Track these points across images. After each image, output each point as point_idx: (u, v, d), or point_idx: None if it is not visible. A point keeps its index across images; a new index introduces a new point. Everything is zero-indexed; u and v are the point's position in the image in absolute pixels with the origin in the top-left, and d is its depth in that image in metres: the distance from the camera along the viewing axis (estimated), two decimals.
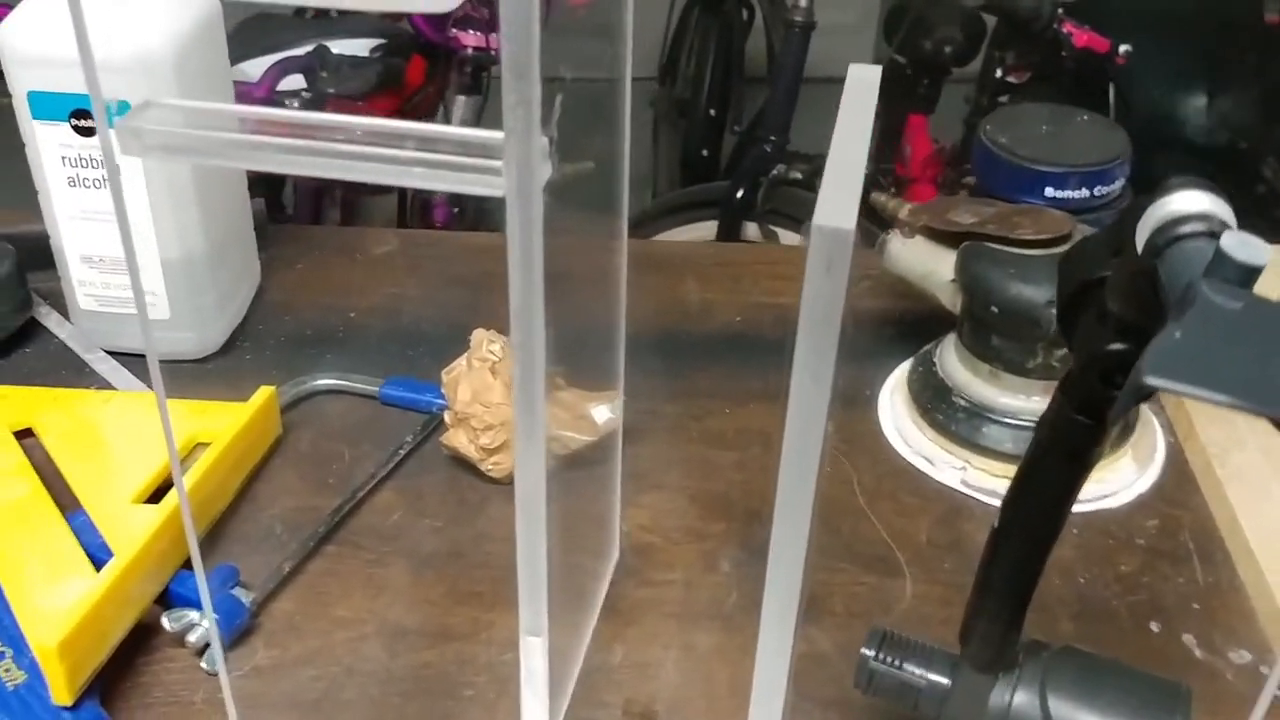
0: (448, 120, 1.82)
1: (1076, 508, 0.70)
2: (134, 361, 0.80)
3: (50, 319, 0.84)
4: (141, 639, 0.62)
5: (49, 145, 0.73)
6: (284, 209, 1.80)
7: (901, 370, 0.82)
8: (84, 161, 0.73)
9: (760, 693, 0.47)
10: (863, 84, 0.46)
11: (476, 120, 1.80)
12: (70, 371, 0.80)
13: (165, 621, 0.60)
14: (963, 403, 0.75)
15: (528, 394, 0.43)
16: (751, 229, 1.85)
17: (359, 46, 1.74)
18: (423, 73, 1.80)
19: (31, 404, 0.73)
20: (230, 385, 0.77)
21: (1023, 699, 0.51)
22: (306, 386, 0.79)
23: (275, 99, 1.63)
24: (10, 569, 0.60)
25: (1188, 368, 0.28)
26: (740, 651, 0.63)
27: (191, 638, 0.60)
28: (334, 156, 0.39)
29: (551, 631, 0.49)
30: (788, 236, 1.80)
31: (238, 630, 0.62)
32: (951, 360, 0.77)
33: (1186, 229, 0.34)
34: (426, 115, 1.84)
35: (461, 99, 1.81)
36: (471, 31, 1.76)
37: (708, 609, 0.65)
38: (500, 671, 0.61)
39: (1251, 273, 0.31)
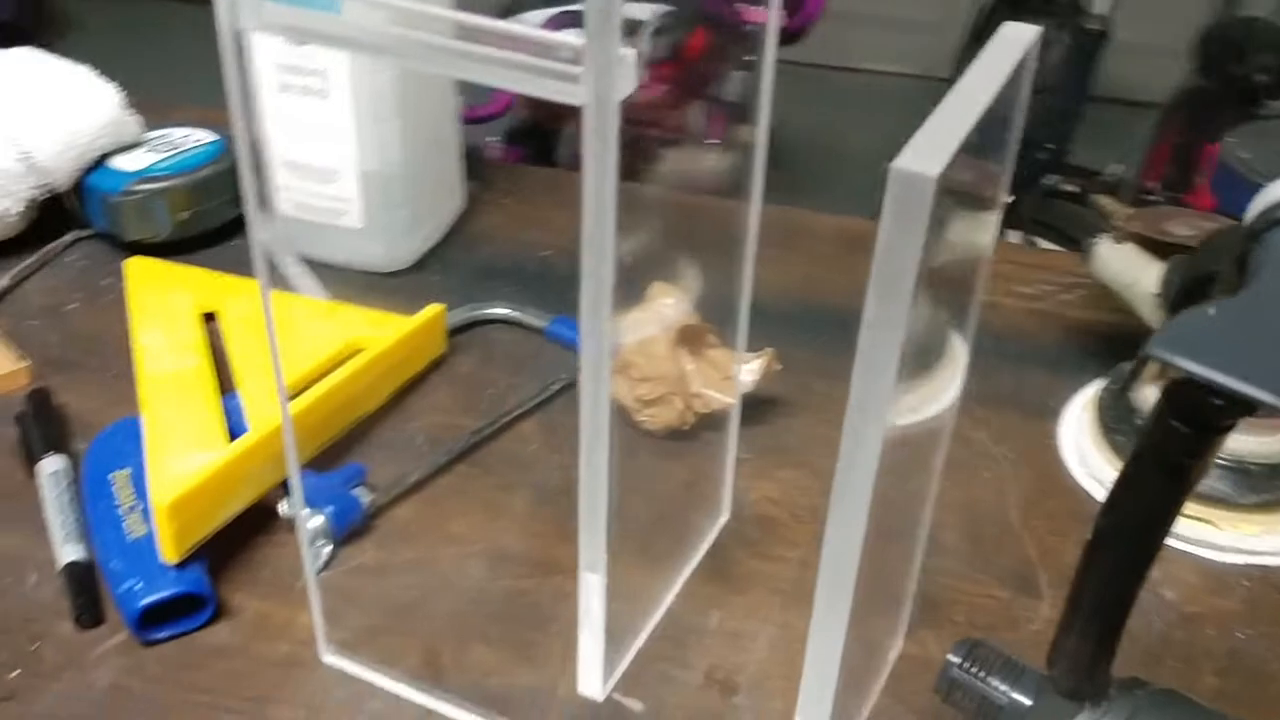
0: (721, 94, 1.82)
1: (1247, 558, 0.63)
2: (324, 270, 0.84)
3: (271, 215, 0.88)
4: (263, 521, 0.64)
5: (261, 50, 0.76)
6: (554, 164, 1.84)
7: (1096, 386, 0.75)
8: (296, 69, 0.76)
9: (810, 682, 0.45)
10: (1012, 42, 0.42)
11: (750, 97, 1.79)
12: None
13: (281, 507, 0.63)
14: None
15: (594, 323, 0.41)
16: (1014, 236, 1.75)
17: (644, 11, 1.76)
18: (704, 45, 1.80)
19: (222, 290, 0.77)
20: (410, 302, 0.79)
21: None
22: (477, 313, 0.80)
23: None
24: (159, 431, 0.64)
25: (1204, 346, 0.24)
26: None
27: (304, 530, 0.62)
28: (408, 47, 0.39)
29: (625, 575, 0.47)
30: None
31: (350, 527, 0.64)
32: (1146, 382, 0.70)
33: None
34: (705, 88, 1.83)
35: (739, 75, 1.80)
36: (757, 7, 1.75)
37: (813, 588, 0.62)
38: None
39: None
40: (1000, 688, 0.49)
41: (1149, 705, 0.46)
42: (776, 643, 0.60)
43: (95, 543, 0.61)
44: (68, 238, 0.83)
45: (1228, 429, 0.36)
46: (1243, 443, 0.66)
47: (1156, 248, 0.70)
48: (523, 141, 1.82)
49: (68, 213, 0.84)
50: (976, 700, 0.49)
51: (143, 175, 0.81)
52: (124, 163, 0.82)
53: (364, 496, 0.64)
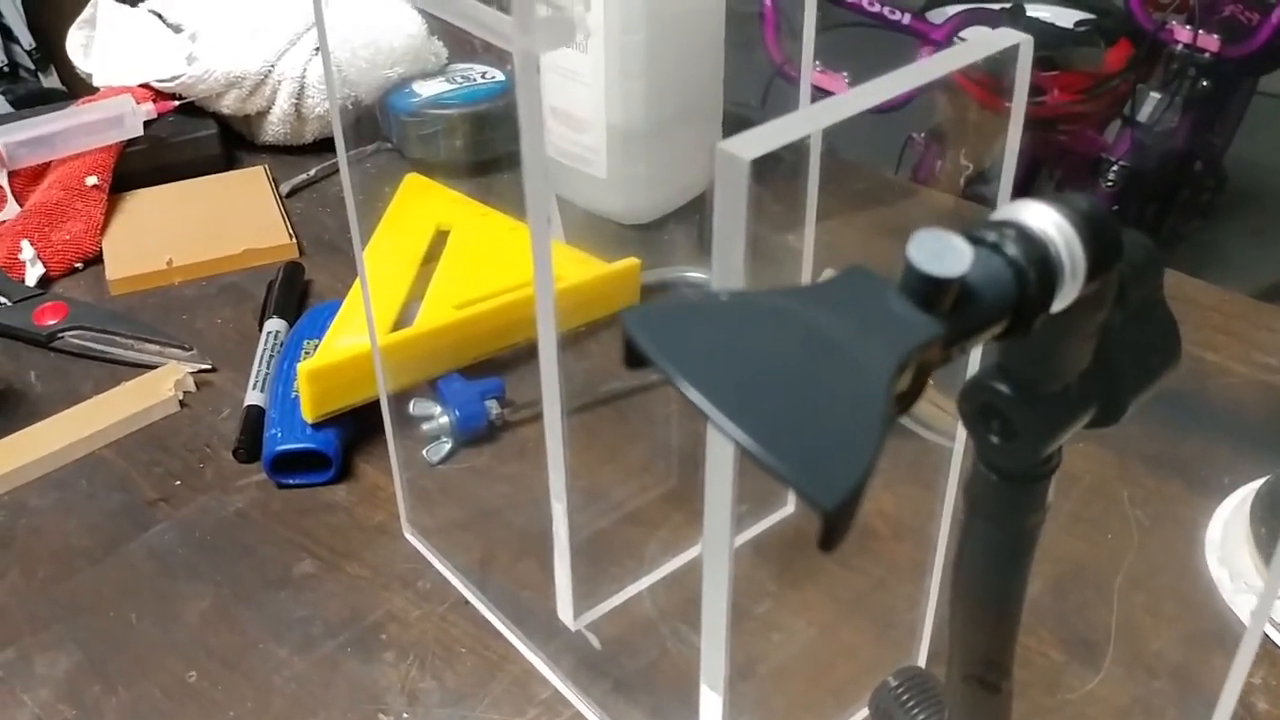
0: (1134, 113, 1.70)
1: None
2: (572, 211, 0.90)
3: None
4: (402, 414, 0.72)
5: None
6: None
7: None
8: None
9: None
10: (971, 48, 0.41)
11: (1158, 120, 1.67)
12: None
13: (411, 405, 0.70)
14: None
15: (542, 273, 0.45)
16: None
17: (1063, 16, 1.68)
18: (1125, 60, 1.69)
19: (463, 211, 0.86)
20: (634, 254, 0.84)
21: None
22: (673, 274, 0.83)
23: (951, 44, 1.64)
24: (346, 314, 0.74)
25: (665, 333, 0.24)
26: (872, 661, 0.58)
27: (425, 426, 0.70)
28: None
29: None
30: None
31: (474, 432, 0.70)
32: None
33: (982, 233, 0.27)
34: (1117, 104, 1.73)
35: (1154, 95, 1.68)
36: (1187, 28, 1.62)
37: (876, 611, 0.61)
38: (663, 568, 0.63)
39: (932, 283, 0.25)
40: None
41: None
42: (811, 646, 0.60)
43: (271, 394, 0.72)
44: (371, 147, 0.96)
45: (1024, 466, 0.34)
46: None
47: None
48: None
49: (379, 126, 0.97)
50: None
51: (432, 101, 0.91)
52: (423, 88, 0.93)
53: (494, 409, 0.71)
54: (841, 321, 0.25)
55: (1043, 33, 1.62)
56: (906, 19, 1.64)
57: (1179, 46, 1.64)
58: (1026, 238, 0.28)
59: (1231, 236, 2.32)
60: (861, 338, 0.25)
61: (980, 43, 0.41)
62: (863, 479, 0.23)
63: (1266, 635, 0.60)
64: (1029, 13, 1.62)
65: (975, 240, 0.28)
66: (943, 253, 0.26)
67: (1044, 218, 0.28)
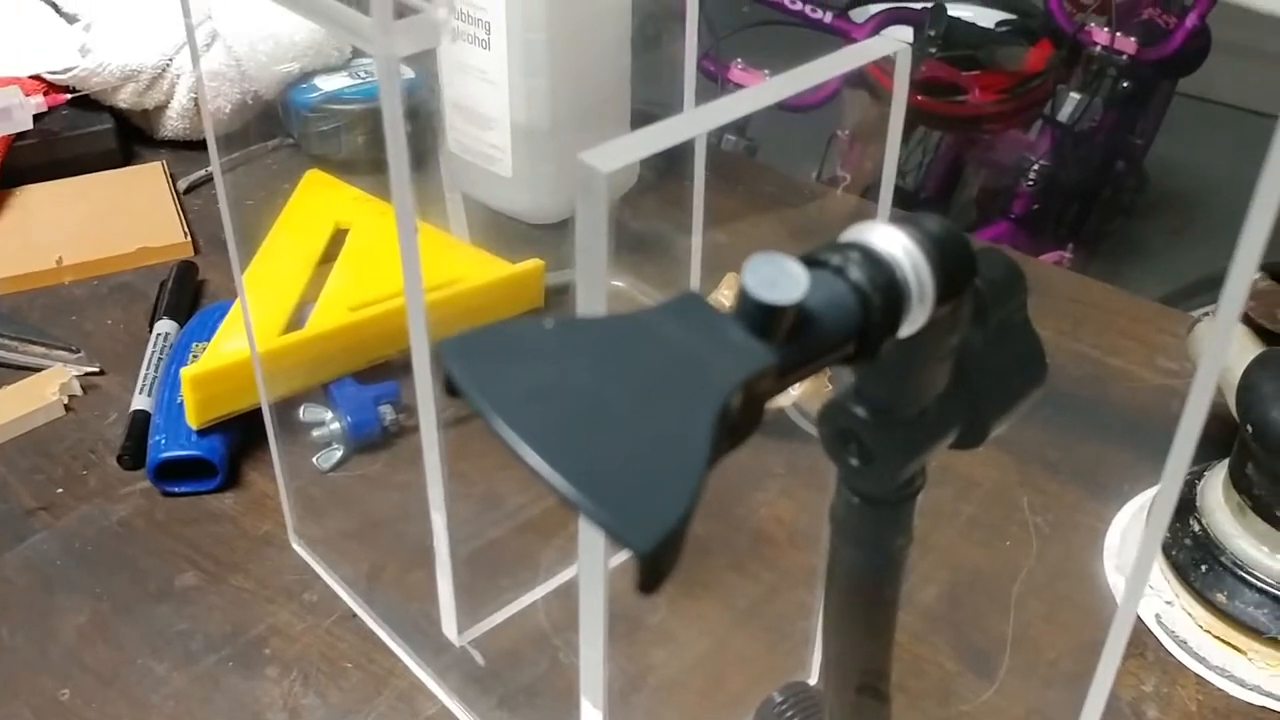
0: (1054, 113, 1.72)
1: (1268, 701, 0.55)
2: (481, 211, 0.89)
3: (442, 154, 0.94)
4: (292, 419, 0.70)
5: None
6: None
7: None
8: (465, 16, 0.81)
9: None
10: (855, 54, 0.40)
11: (1078, 119, 1.68)
12: (431, 202, 0.90)
13: (301, 410, 0.69)
14: (1197, 528, 0.61)
15: (410, 268, 0.44)
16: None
17: (984, 16, 1.69)
18: (1045, 60, 1.71)
19: (362, 209, 0.84)
20: (541, 254, 0.83)
21: None
22: (571, 277, 0.82)
23: None
24: (235, 316, 0.72)
25: (483, 365, 0.23)
26: (764, 672, 0.58)
27: (314, 433, 0.68)
28: None
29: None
30: None
31: (367, 438, 0.69)
32: (1215, 481, 0.62)
33: (826, 256, 0.27)
34: (1037, 104, 1.74)
35: (1074, 96, 1.70)
36: (1106, 30, 1.64)
37: (770, 620, 0.61)
38: (555, 578, 0.62)
39: (766, 310, 0.24)
40: None
41: None
42: (703, 657, 0.59)
43: (158, 399, 0.70)
44: (272, 143, 0.94)
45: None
46: None
47: (1262, 334, 0.62)
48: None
49: (280, 121, 0.94)
50: None
51: (333, 96, 0.89)
52: (325, 82, 0.91)
53: (388, 414, 0.69)
54: (672, 351, 0.24)
55: (964, 32, 1.63)
56: (828, 18, 1.64)
57: (1098, 48, 1.65)
58: (872, 261, 0.27)
59: (1152, 235, 2.35)
60: (691, 368, 0.24)
61: (859, 50, 0.41)
62: (681, 521, 0.22)
63: (1161, 643, 0.60)
64: (951, 12, 1.63)
65: (818, 263, 0.27)
66: (777, 279, 0.25)
67: (891, 240, 0.27)
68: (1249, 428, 0.57)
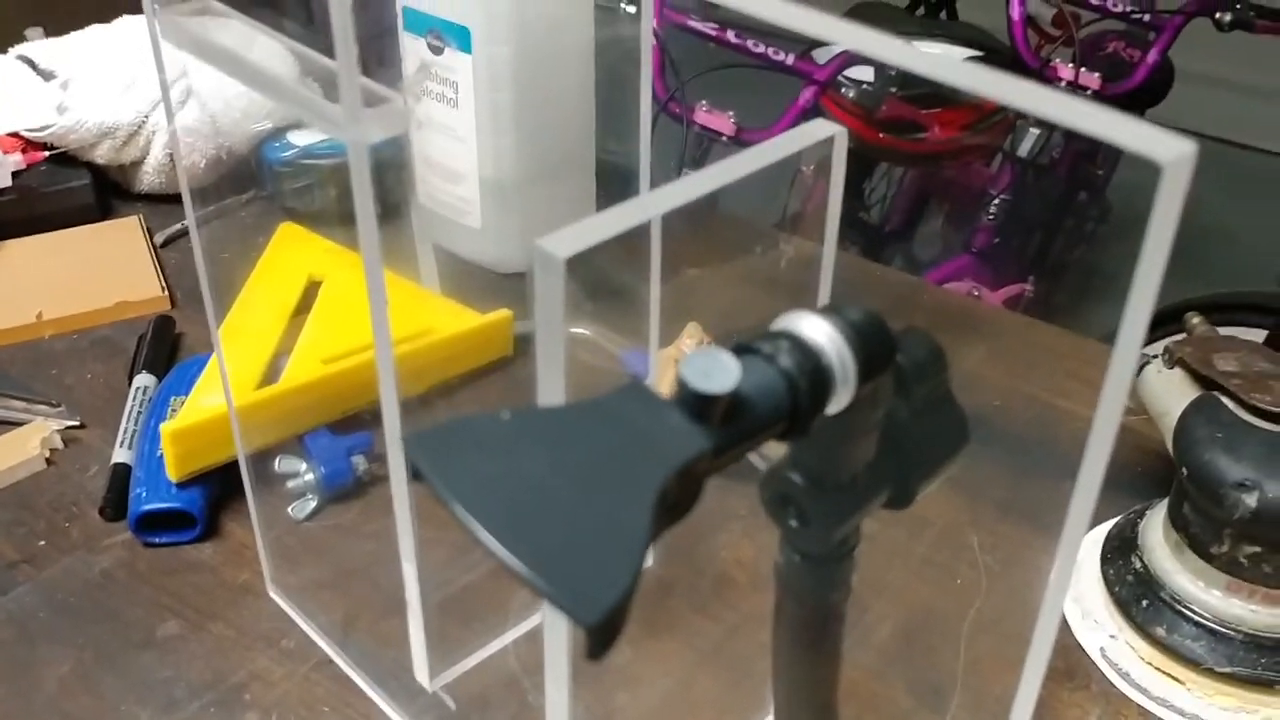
0: (1014, 148, 1.76)
1: None
2: (452, 261, 0.91)
3: (413, 206, 0.97)
4: (268, 470, 0.72)
5: (411, 56, 0.85)
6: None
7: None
8: (434, 76, 0.84)
9: None
10: (795, 139, 0.43)
11: (1038, 153, 1.73)
12: (402, 253, 0.92)
13: (276, 462, 0.71)
14: (1139, 565, 0.64)
15: (379, 326, 0.46)
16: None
17: (951, 53, 1.73)
18: None
19: (336, 261, 0.86)
20: (510, 304, 0.85)
21: None
22: None
23: (835, 83, 1.68)
24: (213, 370, 0.74)
25: (445, 457, 0.26)
26: (726, 711, 0.60)
27: (289, 484, 0.70)
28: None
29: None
30: None
31: (340, 488, 0.71)
32: (1155, 520, 0.65)
33: (758, 345, 0.29)
34: (1001, 139, 1.79)
35: (1033, 131, 1.74)
36: (1070, 65, 1.68)
37: (732, 660, 0.63)
38: (526, 621, 0.64)
39: (702, 399, 0.27)
40: None
41: None
42: (667, 698, 0.61)
43: (138, 452, 0.72)
44: (245, 196, 0.96)
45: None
46: (1229, 606, 0.60)
47: (1199, 379, 0.65)
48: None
49: (254, 175, 0.97)
50: None
51: (305, 151, 0.92)
52: (297, 137, 0.93)
53: (361, 464, 0.72)
54: (616, 439, 0.27)
55: None
56: (790, 59, 1.67)
57: (1062, 84, 1.69)
58: (800, 348, 0.30)
59: (1115, 262, 2.40)
60: (634, 453, 0.27)
61: (798, 135, 0.44)
62: (623, 597, 0.24)
63: (1105, 675, 0.63)
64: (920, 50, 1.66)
65: (750, 351, 0.29)
66: (712, 370, 0.27)
67: (817, 329, 0.30)
68: (1184, 470, 0.60)
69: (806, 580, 0.37)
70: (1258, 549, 0.58)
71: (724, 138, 1.65)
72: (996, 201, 1.74)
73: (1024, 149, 1.76)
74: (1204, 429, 0.60)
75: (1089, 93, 1.70)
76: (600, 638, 0.24)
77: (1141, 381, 0.69)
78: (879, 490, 0.35)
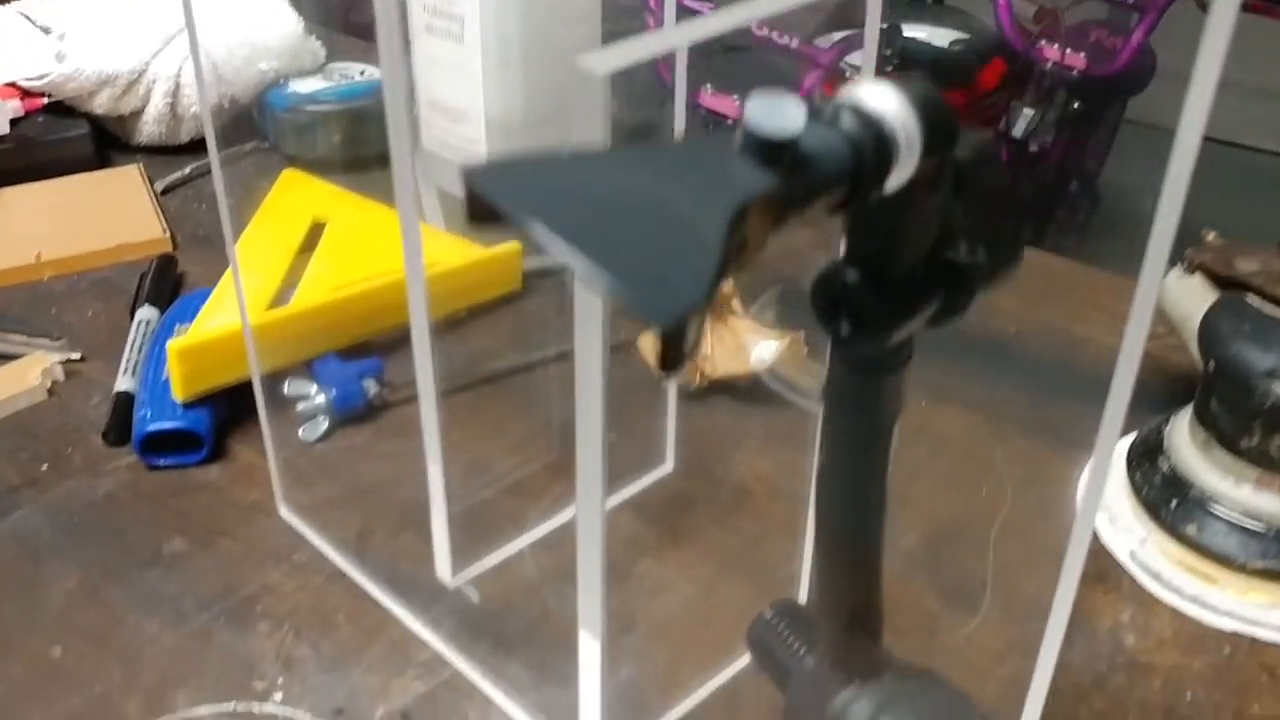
0: (1009, 129, 1.76)
1: (1240, 625, 0.57)
2: (457, 206, 0.90)
3: (417, 151, 0.96)
4: (277, 394, 0.71)
5: None
6: None
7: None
8: (438, 11, 0.83)
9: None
10: None
11: (1031, 133, 1.73)
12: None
13: (286, 385, 0.69)
14: (1166, 467, 0.63)
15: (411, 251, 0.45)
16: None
17: (938, 36, 1.74)
18: (999, 77, 1.75)
19: (339, 203, 0.85)
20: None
21: (856, 713, 0.43)
22: (548, 261, 0.84)
23: (838, 69, 1.69)
24: (218, 299, 0.72)
25: (509, 180, 0.25)
26: (751, 614, 0.59)
27: (300, 405, 0.69)
28: None
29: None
30: None
31: (351, 411, 0.70)
32: (1181, 423, 0.64)
33: (820, 109, 0.28)
34: (993, 121, 1.79)
35: (1027, 111, 1.74)
36: (1055, 46, 1.69)
37: (754, 567, 0.62)
38: (542, 526, 0.63)
39: (766, 145, 0.26)
40: (799, 653, 0.47)
41: (910, 691, 0.43)
42: (691, 601, 0.60)
43: (142, 378, 0.70)
44: (248, 146, 0.95)
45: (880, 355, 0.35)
46: (1260, 500, 0.59)
47: (1220, 282, 0.64)
48: None
49: (255, 126, 0.96)
50: (774, 660, 0.48)
51: (308, 98, 0.91)
52: (299, 85, 0.92)
53: (372, 388, 0.70)
54: (686, 169, 0.26)
55: (919, 51, 1.68)
56: (795, 43, 1.68)
57: (1049, 64, 1.70)
58: (863, 114, 0.29)
59: (1104, 257, 2.40)
60: (704, 183, 0.26)
61: None
62: (697, 303, 0.23)
63: (1135, 579, 0.62)
64: (906, 33, 1.68)
65: (813, 115, 0.28)
66: (777, 112, 0.26)
67: (881, 97, 0.29)
68: (1211, 363, 0.59)
69: (859, 396, 0.35)
70: None
71: (729, 121, 1.65)
72: None
73: (1018, 129, 1.77)
74: (1230, 322, 0.59)
75: (1075, 73, 1.71)
76: (674, 342, 0.23)
77: (1162, 289, 0.68)
78: (931, 295, 0.34)
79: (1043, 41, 1.71)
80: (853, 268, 0.33)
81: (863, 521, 0.39)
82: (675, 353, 0.23)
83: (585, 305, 0.35)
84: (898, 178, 0.30)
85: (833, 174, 0.28)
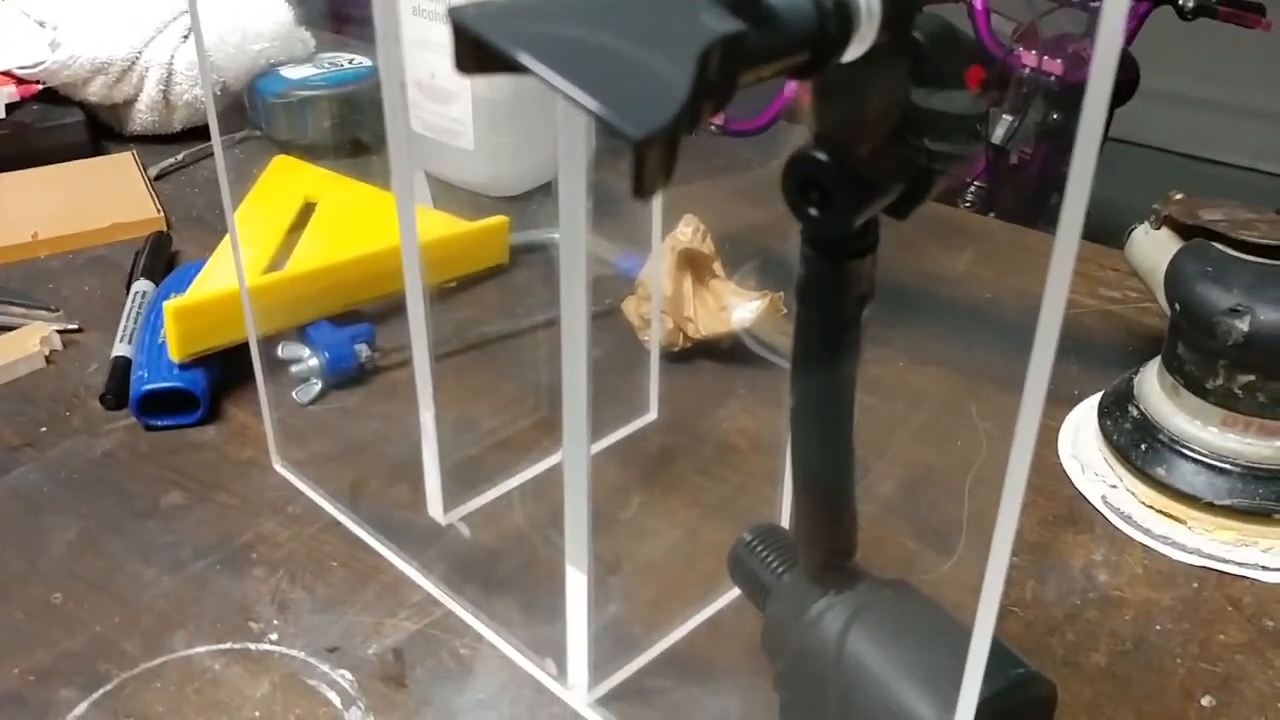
0: (988, 136, 1.79)
1: (1208, 562, 0.59)
2: (444, 189, 0.93)
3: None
4: (271, 357, 0.72)
5: None
6: None
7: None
8: None
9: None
10: None
11: (1010, 139, 1.76)
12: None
13: (280, 348, 0.71)
14: (1136, 413, 0.65)
15: (405, 216, 0.47)
16: None
17: None
18: (977, 84, 1.78)
19: (330, 185, 0.87)
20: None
21: (831, 620, 0.45)
22: (544, 236, 0.86)
23: None
24: (212, 268, 0.74)
25: (493, 20, 0.26)
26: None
27: (293, 368, 0.71)
28: None
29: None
30: None
31: (343, 374, 0.71)
32: (1149, 372, 0.66)
33: None
34: None
35: (1006, 118, 1.77)
36: (1032, 52, 1.72)
37: (737, 513, 0.63)
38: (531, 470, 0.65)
39: None
40: (776, 571, 0.49)
41: (883, 598, 0.45)
42: (676, 544, 0.62)
43: (138, 344, 0.72)
44: (240, 133, 0.97)
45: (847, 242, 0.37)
46: (1225, 440, 0.61)
47: (1186, 232, 0.66)
48: None
49: (245, 114, 0.98)
50: (752, 579, 0.50)
51: (298, 84, 0.93)
52: (290, 73, 0.95)
53: (363, 352, 0.72)
54: (662, 17, 0.28)
55: None
56: None
57: (1026, 70, 1.73)
58: None
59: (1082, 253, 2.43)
60: (678, 29, 0.28)
61: None
62: (669, 125, 0.25)
63: (1108, 520, 0.63)
64: None
65: None
66: None
67: None
68: (1176, 305, 0.61)
69: (827, 281, 0.37)
70: (1251, 377, 0.59)
71: (713, 127, 1.67)
72: (972, 188, 1.77)
73: (997, 136, 1.80)
74: (1194, 265, 0.61)
75: (1053, 79, 1.74)
76: (644, 159, 0.25)
77: (1130, 244, 0.70)
78: (894, 178, 0.36)
79: (1019, 48, 1.74)
80: (821, 150, 0.35)
81: (834, 412, 0.41)
82: (646, 172, 0.25)
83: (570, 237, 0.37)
84: (858, 46, 0.32)
85: (797, 32, 0.30)
